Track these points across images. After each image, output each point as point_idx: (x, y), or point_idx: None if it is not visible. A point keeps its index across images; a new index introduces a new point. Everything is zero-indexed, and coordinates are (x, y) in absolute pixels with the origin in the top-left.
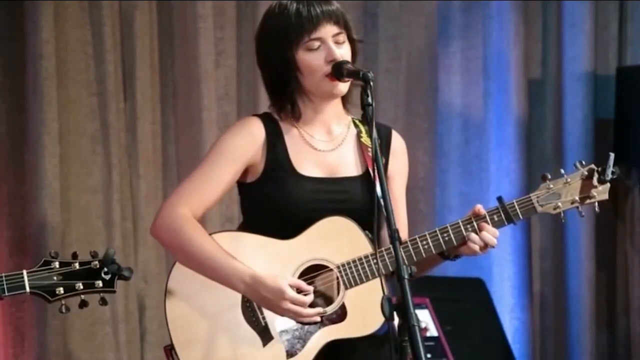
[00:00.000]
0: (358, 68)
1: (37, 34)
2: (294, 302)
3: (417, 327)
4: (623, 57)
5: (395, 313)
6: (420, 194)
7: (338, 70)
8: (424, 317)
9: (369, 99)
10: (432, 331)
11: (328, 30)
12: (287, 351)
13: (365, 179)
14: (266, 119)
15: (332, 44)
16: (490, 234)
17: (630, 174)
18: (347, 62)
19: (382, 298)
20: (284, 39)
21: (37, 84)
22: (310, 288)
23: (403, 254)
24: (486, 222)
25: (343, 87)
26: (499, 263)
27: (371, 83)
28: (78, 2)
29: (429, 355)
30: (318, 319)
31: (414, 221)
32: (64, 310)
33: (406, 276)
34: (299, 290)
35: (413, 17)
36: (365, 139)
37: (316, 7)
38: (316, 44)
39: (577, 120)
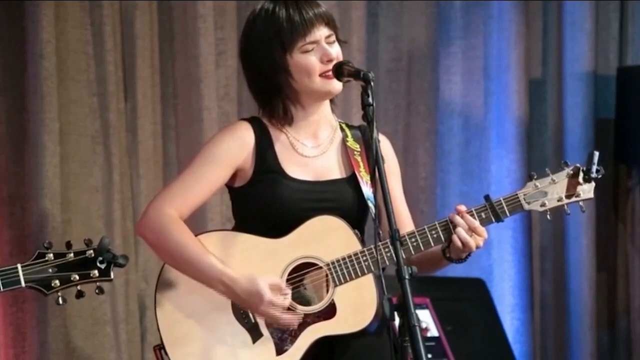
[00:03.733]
0: (359, 68)
1: (37, 34)
2: (273, 305)
3: (417, 327)
4: (624, 57)
5: (395, 313)
6: (421, 194)
7: (339, 71)
8: (425, 317)
9: (370, 99)
10: (433, 331)
11: (321, 32)
12: (276, 348)
13: (352, 181)
14: (255, 123)
15: (325, 44)
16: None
17: (630, 174)
18: (347, 62)
19: (383, 298)
20: (276, 44)
21: (37, 84)
22: (289, 290)
23: (384, 252)
24: (473, 217)
25: (338, 85)
26: (500, 263)
27: (372, 83)
28: (78, 2)
29: (429, 356)
30: (296, 325)
31: (415, 221)
32: (61, 302)
33: (407, 276)
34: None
35: (414, 17)
36: (351, 143)
37: (308, 10)
38: (311, 46)
39: (578, 120)
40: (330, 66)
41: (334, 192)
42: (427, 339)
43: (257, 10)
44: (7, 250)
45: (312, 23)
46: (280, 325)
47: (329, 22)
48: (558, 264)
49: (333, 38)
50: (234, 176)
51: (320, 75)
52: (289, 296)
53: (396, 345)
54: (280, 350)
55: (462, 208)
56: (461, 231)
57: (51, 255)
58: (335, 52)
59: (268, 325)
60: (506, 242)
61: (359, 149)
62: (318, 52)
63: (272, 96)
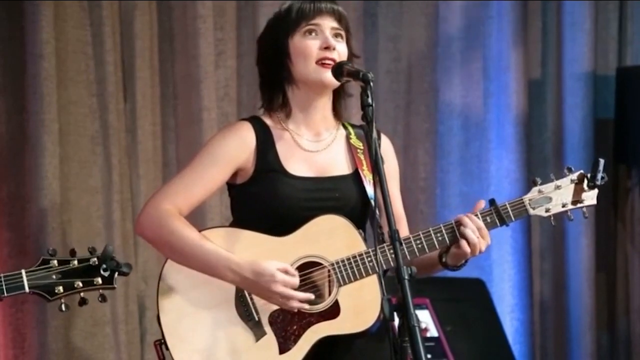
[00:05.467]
0: (358, 68)
1: (37, 35)
2: (284, 284)
3: (417, 328)
4: (623, 57)
5: (395, 313)
6: (421, 194)
7: (338, 71)
8: (425, 318)
9: (369, 100)
10: (433, 332)
11: (327, 22)
12: (280, 347)
13: (355, 178)
14: (256, 122)
15: (329, 34)
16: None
17: (630, 174)
18: (347, 62)
19: (382, 298)
20: (281, 28)
21: (37, 84)
22: (296, 272)
23: (389, 253)
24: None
25: (332, 77)
26: (500, 263)
27: (371, 84)
28: (78, 3)
29: (429, 356)
30: (307, 305)
31: (415, 221)
32: (63, 309)
33: (406, 277)
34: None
35: (413, 18)
36: (354, 140)
37: (321, 2)
38: (313, 31)
39: (577, 120)
40: (328, 54)
41: (337, 189)
42: (426, 340)
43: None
44: (6, 251)
45: (320, 11)
46: (292, 305)
47: (341, 20)
48: (558, 264)
49: (341, 34)
50: (234, 174)
51: (317, 62)
52: (297, 276)
53: (396, 346)
54: (283, 349)
55: (481, 205)
56: (470, 232)
57: (55, 261)
58: (339, 48)
59: (271, 324)
60: (506, 243)
61: (362, 147)
62: (319, 40)
63: (273, 83)
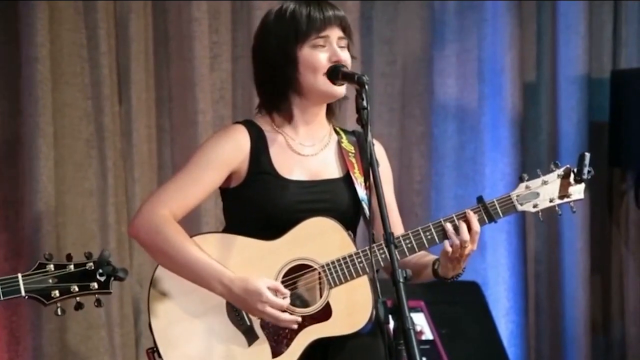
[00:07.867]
0: (353, 72)
1: (31, 37)
2: (272, 305)
3: (412, 331)
4: (617, 59)
5: (390, 316)
6: (416, 197)
7: (334, 73)
8: (420, 321)
9: (364, 103)
10: (428, 334)
11: (335, 33)
12: (272, 350)
13: (347, 181)
14: (250, 126)
15: (336, 46)
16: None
17: (625, 177)
18: (342, 65)
19: (377, 301)
20: (290, 37)
21: (32, 87)
22: (287, 292)
23: (379, 253)
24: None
25: (341, 89)
26: (494, 266)
27: (366, 86)
28: (73, 5)
29: (424, 359)
30: (295, 325)
31: (410, 225)
32: (59, 313)
33: (401, 279)
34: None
35: (408, 20)
36: (346, 144)
37: (328, 10)
38: (322, 43)
39: (572, 123)
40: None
41: (329, 192)
42: (421, 342)
43: (276, 8)
44: (1, 254)
45: (329, 21)
46: (280, 325)
47: (345, 29)
48: (552, 267)
49: (345, 43)
50: (228, 178)
51: (325, 74)
52: (288, 297)
53: (391, 349)
54: (276, 353)
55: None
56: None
57: (52, 266)
58: (345, 56)
59: (263, 328)
60: (500, 246)
61: (353, 151)
62: (327, 52)
63: (278, 90)
